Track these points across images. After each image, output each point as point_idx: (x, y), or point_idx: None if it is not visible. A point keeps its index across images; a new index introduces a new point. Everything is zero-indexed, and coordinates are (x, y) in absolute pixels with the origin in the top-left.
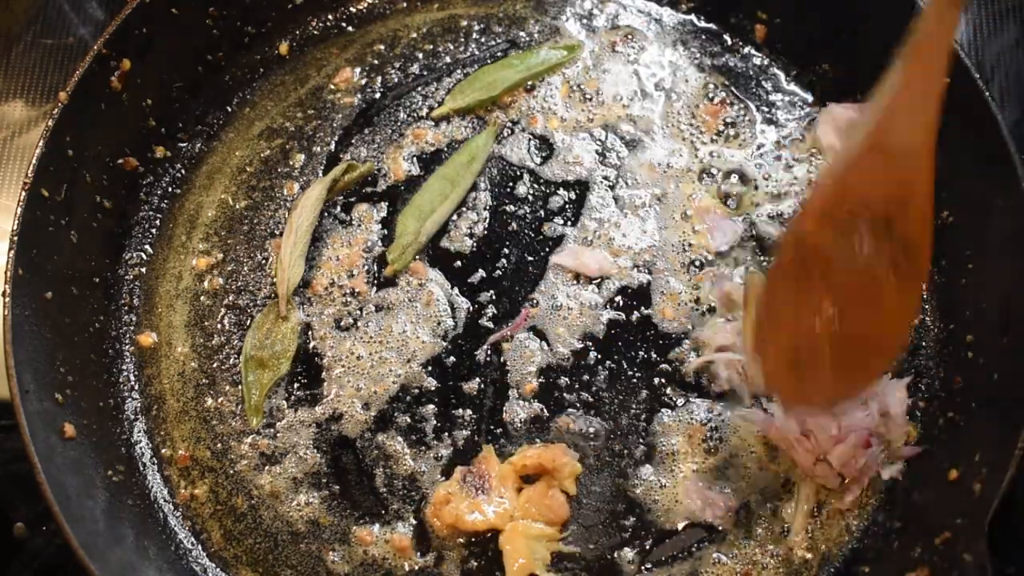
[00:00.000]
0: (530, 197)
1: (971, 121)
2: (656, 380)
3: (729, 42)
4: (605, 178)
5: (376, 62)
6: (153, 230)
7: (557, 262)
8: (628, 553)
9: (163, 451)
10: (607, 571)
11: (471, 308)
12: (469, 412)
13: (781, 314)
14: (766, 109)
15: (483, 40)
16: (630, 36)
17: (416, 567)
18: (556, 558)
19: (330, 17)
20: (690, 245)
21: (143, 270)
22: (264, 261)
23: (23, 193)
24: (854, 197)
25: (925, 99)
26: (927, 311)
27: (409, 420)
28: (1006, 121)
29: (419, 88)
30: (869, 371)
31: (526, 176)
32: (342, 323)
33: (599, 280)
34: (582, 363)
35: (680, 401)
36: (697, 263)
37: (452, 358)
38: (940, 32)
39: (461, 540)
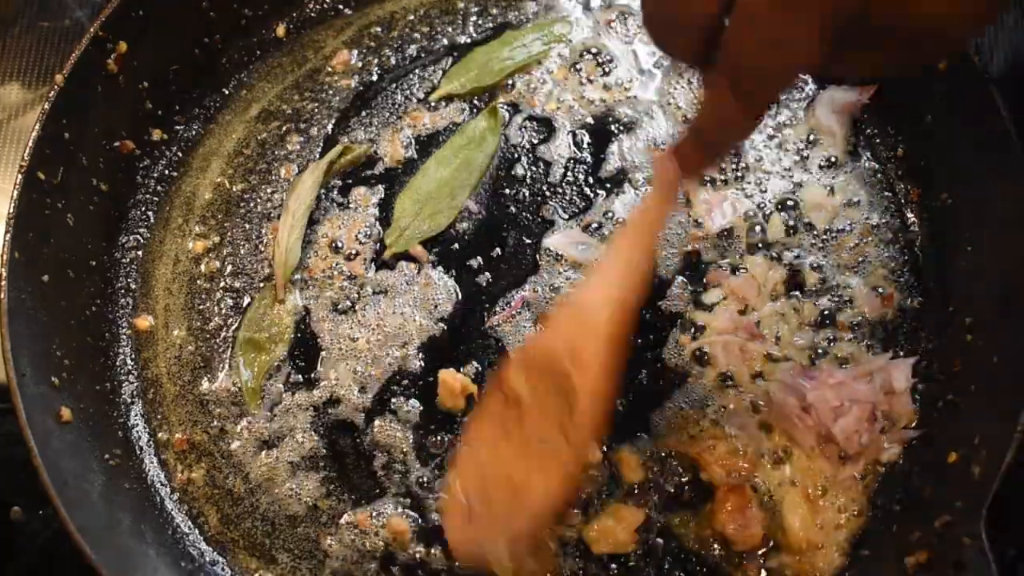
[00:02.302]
0: (529, 179)
1: (970, 102)
2: (655, 364)
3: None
4: (604, 158)
5: (373, 44)
6: (150, 213)
7: (548, 245)
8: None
9: (160, 435)
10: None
11: (469, 291)
12: None
13: (476, 456)
14: None
15: (480, 22)
16: (626, 15)
17: (414, 551)
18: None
19: None
20: (688, 227)
21: (140, 253)
22: (261, 244)
23: (19, 176)
24: (545, 347)
25: (620, 277)
26: (927, 293)
27: (406, 403)
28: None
29: (416, 70)
30: (522, 520)
31: (525, 158)
32: (339, 306)
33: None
34: None
35: (678, 384)
36: (695, 245)
37: (450, 342)
38: (648, 223)
39: None
